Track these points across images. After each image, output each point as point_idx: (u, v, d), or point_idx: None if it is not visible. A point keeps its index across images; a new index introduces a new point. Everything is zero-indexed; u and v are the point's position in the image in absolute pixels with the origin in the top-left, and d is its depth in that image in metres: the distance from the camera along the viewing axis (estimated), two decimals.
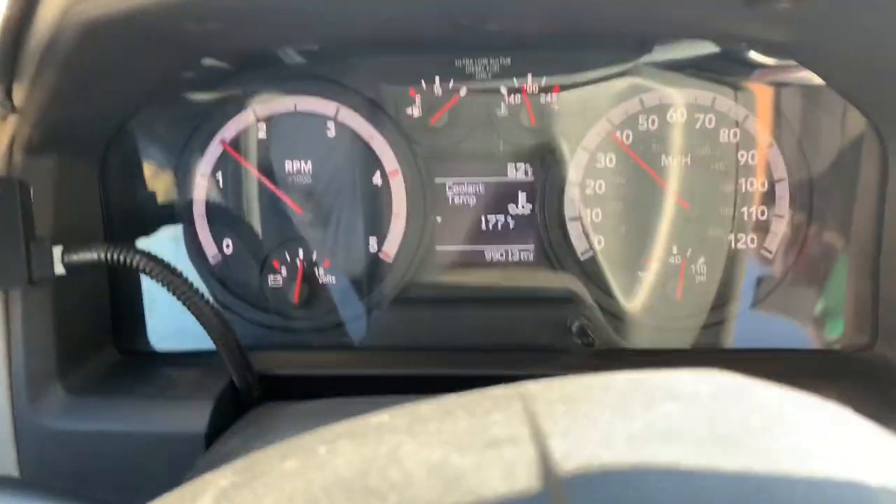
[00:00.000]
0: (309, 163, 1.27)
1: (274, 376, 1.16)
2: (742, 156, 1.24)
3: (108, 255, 0.99)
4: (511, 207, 1.28)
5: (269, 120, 1.26)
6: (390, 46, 1.24)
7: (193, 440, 1.02)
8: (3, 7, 0.83)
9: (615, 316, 1.27)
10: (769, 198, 1.24)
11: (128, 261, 0.98)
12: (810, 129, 1.22)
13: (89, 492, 1.04)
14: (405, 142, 1.26)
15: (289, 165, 1.27)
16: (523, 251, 1.29)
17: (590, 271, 1.27)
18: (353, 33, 1.16)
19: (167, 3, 0.83)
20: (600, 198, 1.26)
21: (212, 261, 1.29)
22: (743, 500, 0.30)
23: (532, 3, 0.99)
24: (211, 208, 1.28)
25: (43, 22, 0.84)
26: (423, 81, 1.25)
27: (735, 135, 1.24)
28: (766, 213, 1.25)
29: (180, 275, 1.00)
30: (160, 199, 1.28)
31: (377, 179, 1.27)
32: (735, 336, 1.26)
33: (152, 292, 1.27)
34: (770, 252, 1.25)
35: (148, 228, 1.28)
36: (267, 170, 1.27)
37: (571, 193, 1.26)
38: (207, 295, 1.02)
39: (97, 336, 1.20)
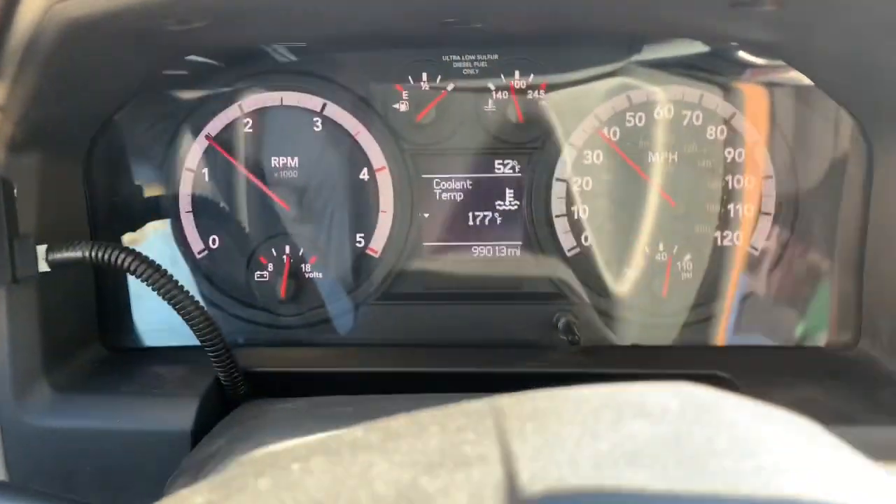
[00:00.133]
0: (296, 158, 1.26)
1: (260, 373, 1.17)
2: (729, 153, 1.24)
3: (93, 254, 0.99)
4: (498, 203, 1.28)
5: (256, 115, 1.26)
6: (377, 42, 1.23)
7: (180, 437, 1.02)
8: None
9: (601, 312, 1.27)
10: (756, 195, 1.24)
11: (112, 259, 0.98)
12: (798, 127, 1.22)
13: (76, 490, 1.04)
14: (392, 138, 1.26)
15: (275, 161, 1.26)
16: (510, 247, 1.29)
17: (576, 268, 1.27)
18: (339, 31, 1.15)
19: (149, 3, 0.82)
20: (587, 194, 1.26)
21: (198, 256, 1.28)
22: None
23: (518, 3, 0.99)
24: (197, 203, 1.27)
25: (24, 21, 0.83)
26: (410, 77, 1.25)
27: (722, 132, 1.24)
28: (752, 211, 1.25)
29: (165, 273, 1.00)
30: (146, 194, 1.27)
31: (364, 175, 1.27)
32: (720, 333, 1.27)
33: (138, 288, 1.26)
34: (756, 249, 1.25)
35: (134, 224, 1.27)
36: (253, 165, 1.26)
37: (558, 190, 1.26)
38: (193, 291, 1.02)
39: (83, 333, 1.20)
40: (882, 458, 0.93)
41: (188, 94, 1.25)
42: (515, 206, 1.28)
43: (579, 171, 1.26)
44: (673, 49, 1.22)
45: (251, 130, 1.26)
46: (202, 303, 1.02)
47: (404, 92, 1.25)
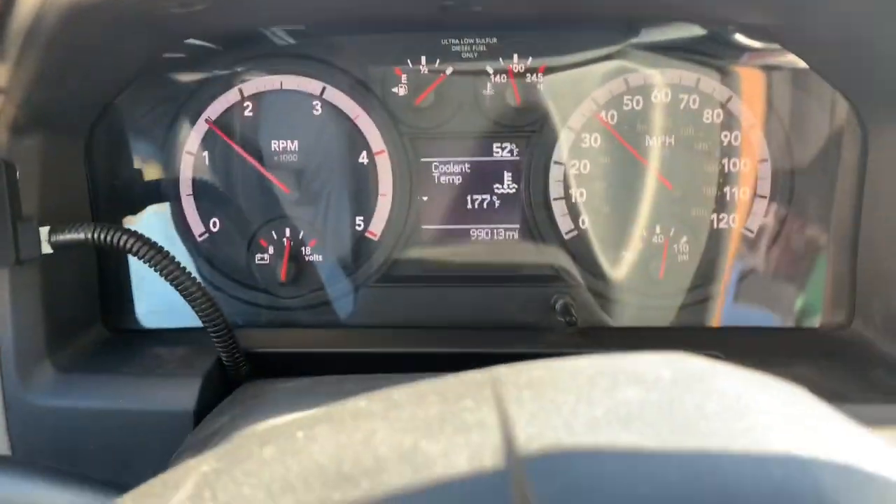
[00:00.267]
0: (295, 142, 1.27)
1: (261, 354, 1.18)
2: (725, 136, 1.25)
3: (95, 235, 1.00)
4: (496, 187, 1.29)
5: (255, 98, 1.26)
6: (376, 26, 1.24)
7: (182, 417, 1.04)
8: None
9: (599, 294, 1.29)
10: (751, 178, 1.25)
11: (114, 240, 0.99)
12: (794, 111, 1.23)
13: (80, 468, 1.06)
14: (391, 121, 1.27)
15: (275, 144, 1.27)
16: (508, 230, 1.30)
17: (574, 250, 1.29)
18: (338, 14, 1.16)
19: None
20: (585, 177, 1.27)
21: (199, 239, 1.29)
22: (694, 479, 0.32)
23: None
24: (198, 186, 1.28)
25: (26, 4, 0.84)
26: (409, 61, 1.25)
27: (719, 115, 1.25)
28: (747, 194, 1.26)
29: (167, 254, 1.01)
30: (147, 177, 1.28)
31: (363, 158, 1.28)
32: (716, 314, 1.28)
33: (140, 270, 1.27)
34: (752, 232, 1.27)
35: (135, 207, 1.28)
36: (253, 148, 1.27)
37: (556, 173, 1.27)
38: (195, 273, 1.03)
39: (85, 314, 1.22)
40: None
41: (188, 78, 1.26)
42: (513, 190, 1.29)
43: (577, 154, 1.27)
44: (670, 32, 1.22)
45: (251, 114, 1.27)
46: (203, 285, 1.03)
47: (403, 75, 1.26)
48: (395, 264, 1.30)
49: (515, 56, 1.25)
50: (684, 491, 0.30)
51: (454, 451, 0.36)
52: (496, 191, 1.29)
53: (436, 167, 1.29)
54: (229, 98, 1.26)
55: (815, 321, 1.26)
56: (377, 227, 1.29)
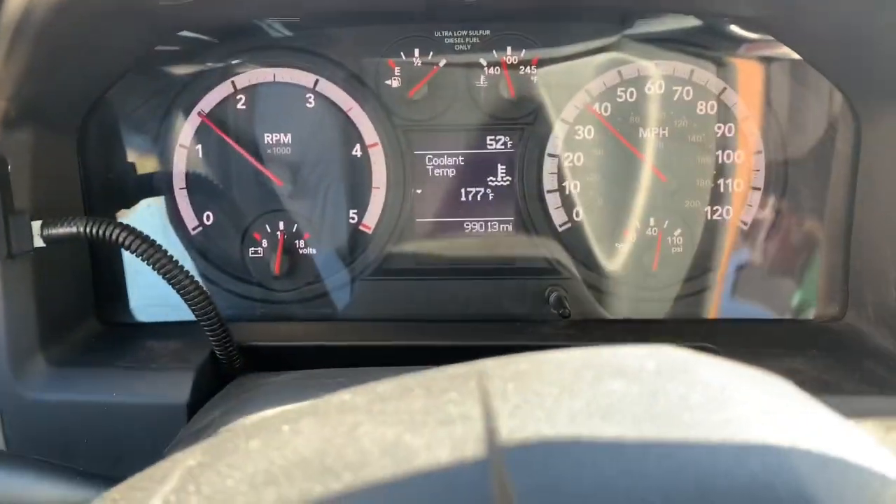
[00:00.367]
0: (289, 134, 1.27)
1: (255, 347, 1.18)
2: (719, 128, 1.25)
3: (87, 229, 0.99)
4: (490, 179, 1.29)
5: (249, 91, 1.26)
6: (369, 18, 1.23)
7: (175, 411, 1.04)
8: None
9: (593, 287, 1.29)
10: (745, 170, 1.25)
11: (106, 234, 0.99)
12: (788, 102, 1.23)
13: (73, 462, 1.06)
14: (385, 113, 1.26)
15: (268, 137, 1.27)
16: (502, 222, 1.30)
17: (568, 243, 1.29)
18: (332, 5, 1.15)
19: None
20: (579, 170, 1.27)
21: (192, 232, 1.29)
22: (673, 470, 0.32)
23: None
24: (191, 179, 1.28)
25: None
26: (402, 53, 1.25)
27: (713, 107, 1.24)
28: (742, 186, 1.26)
29: (160, 248, 1.01)
30: (140, 170, 1.28)
31: (357, 151, 1.28)
32: (710, 307, 1.28)
33: (134, 264, 1.27)
34: (746, 224, 1.27)
35: (128, 200, 1.28)
36: (247, 141, 1.27)
37: (550, 165, 1.27)
38: (188, 266, 1.03)
39: (79, 308, 1.21)
40: (865, 427, 0.95)
41: (181, 71, 1.26)
42: (507, 182, 1.29)
43: (571, 146, 1.27)
44: (665, 24, 1.22)
45: (244, 107, 1.26)
46: (196, 278, 1.03)
47: (396, 68, 1.25)
48: (389, 257, 1.30)
49: (509, 48, 1.24)
50: (662, 483, 0.31)
51: (437, 443, 0.36)
52: (490, 183, 1.29)
53: (429, 160, 1.28)
54: (222, 91, 1.25)
55: (809, 313, 1.26)
56: (371, 220, 1.29)
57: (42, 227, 1.02)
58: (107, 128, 1.24)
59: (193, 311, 1.04)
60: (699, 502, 0.30)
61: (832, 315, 1.24)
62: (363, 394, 0.45)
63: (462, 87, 1.26)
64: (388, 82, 1.26)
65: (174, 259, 1.01)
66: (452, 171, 1.29)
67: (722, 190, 1.26)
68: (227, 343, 1.10)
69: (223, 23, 1.21)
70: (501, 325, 1.25)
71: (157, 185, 1.28)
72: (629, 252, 1.28)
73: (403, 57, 1.25)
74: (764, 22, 1.14)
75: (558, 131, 1.26)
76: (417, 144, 1.28)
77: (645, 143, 1.25)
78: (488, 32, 1.24)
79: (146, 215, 1.28)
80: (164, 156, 1.27)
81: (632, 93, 1.25)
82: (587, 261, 1.29)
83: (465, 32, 1.24)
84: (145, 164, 1.28)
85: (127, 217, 1.28)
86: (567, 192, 1.28)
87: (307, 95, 1.26)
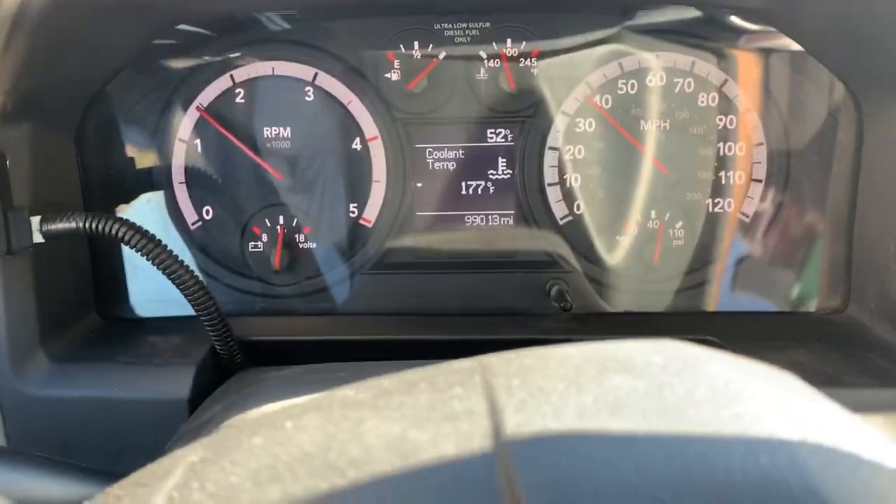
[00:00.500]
0: (288, 128, 1.26)
1: (255, 342, 1.18)
2: (720, 120, 1.24)
3: (87, 224, 0.99)
4: (491, 173, 1.28)
5: (248, 85, 1.25)
6: (368, 10, 1.23)
7: (176, 406, 1.03)
8: None
9: (594, 280, 1.28)
10: (747, 162, 1.25)
11: (106, 229, 0.99)
12: (790, 94, 1.22)
13: (75, 457, 1.05)
14: (384, 106, 1.26)
15: (268, 131, 1.26)
16: (503, 216, 1.29)
17: (569, 236, 1.28)
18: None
19: None
20: (579, 163, 1.27)
21: (192, 227, 1.29)
22: (682, 466, 0.32)
23: None
24: (190, 174, 1.28)
25: None
26: (401, 46, 1.24)
27: (714, 99, 1.24)
28: (743, 178, 1.26)
29: (159, 243, 1.01)
30: (139, 165, 1.27)
31: (357, 145, 1.27)
32: (712, 299, 1.28)
33: (133, 259, 1.26)
34: (747, 216, 1.26)
35: (127, 195, 1.27)
36: (246, 135, 1.26)
37: (551, 158, 1.27)
38: (188, 261, 1.03)
39: (79, 303, 1.21)
40: (866, 418, 0.95)
41: (179, 65, 1.25)
42: (508, 175, 1.28)
43: (571, 139, 1.26)
44: (666, 14, 1.21)
45: (243, 101, 1.26)
46: (196, 273, 1.03)
47: (396, 61, 1.25)
48: (390, 251, 1.30)
49: (509, 40, 1.24)
50: (672, 478, 0.30)
51: (442, 439, 0.35)
52: (490, 176, 1.29)
53: (430, 153, 1.28)
54: (221, 84, 1.25)
55: (811, 305, 1.26)
56: (371, 213, 1.29)
57: (41, 222, 1.01)
58: (105, 122, 1.24)
59: (193, 306, 1.04)
60: (708, 498, 0.30)
61: (834, 307, 1.23)
62: (367, 389, 0.44)
63: (462, 79, 1.25)
64: (388, 75, 1.25)
65: (174, 254, 1.01)
66: (453, 165, 1.28)
67: (723, 182, 1.26)
68: (228, 338, 1.09)
69: (221, 16, 1.20)
70: (502, 318, 1.25)
71: (156, 179, 1.28)
72: (630, 245, 1.28)
73: (403, 49, 1.24)
74: (765, 13, 1.13)
75: (559, 124, 1.26)
76: (417, 137, 1.27)
77: (646, 135, 1.25)
78: (488, 24, 1.23)
79: (145, 210, 1.28)
80: (163, 150, 1.27)
81: (633, 85, 1.24)
82: (588, 254, 1.28)
83: (464, 24, 1.23)
84: (144, 159, 1.27)
85: (126, 212, 1.27)
86: (568, 185, 1.27)
87: (306, 89, 1.25)
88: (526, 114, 1.26)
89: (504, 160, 1.28)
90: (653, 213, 1.27)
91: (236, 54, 1.24)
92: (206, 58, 1.24)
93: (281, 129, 1.26)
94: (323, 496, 0.34)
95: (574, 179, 1.27)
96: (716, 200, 1.26)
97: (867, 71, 1.11)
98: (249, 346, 1.15)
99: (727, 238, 1.27)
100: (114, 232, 0.99)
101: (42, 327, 1.08)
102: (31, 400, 1.05)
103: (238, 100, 1.25)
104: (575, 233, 1.28)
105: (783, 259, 1.27)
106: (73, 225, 1.00)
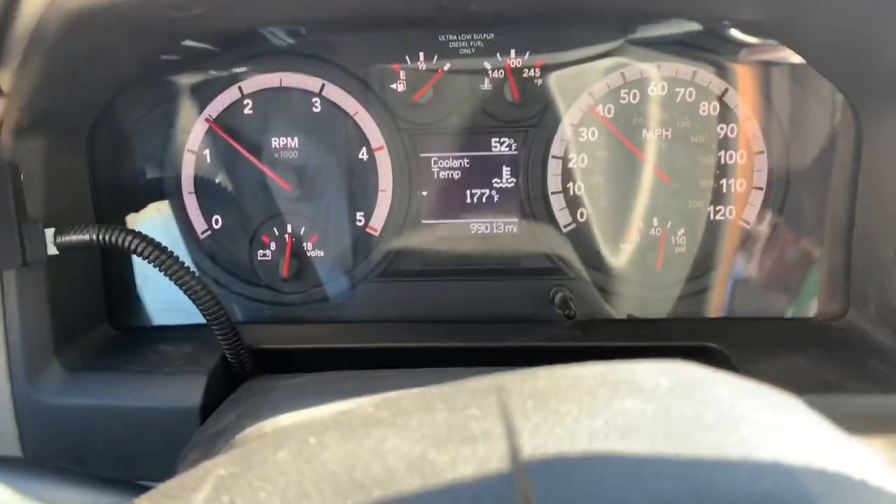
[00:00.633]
0: (296, 139, 1.28)
1: (265, 350, 1.19)
2: (721, 129, 1.26)
3: (100, 237, 1.01)
4: (495, 181, 1.30)
5: (256, 96, 1.27)
6: (374, 24, 1.25)
7: (188, 413, 1.05)
8: None
9: (597, 287, 1.30)
10: (748, 170, 1.27)
11: (118, 241, 1.01)
12: (789, 104, 1.24)
13: (88, 465, 1.08)
14: (390, 117, 1.28)
15: (275, 141, 1.28)
16: (507, 224, 1.31)
17: (572, 243, 1.30)
18: (336, 14, 1.16)
19: None
20: (583, 171, 1.29)
21: (201, 236, 1.31)
22: (690, 489, 0.33)
23: None
24: (199, 184, 1.29)
25: (28, 12, 0.85)
26: (407, 57, 1.26)
27: (715, 108, 1.26)
28: (744, 186, 1.27)
29: (171, 254, 1.02)
30: (148, 175, 1.29)
31: (363, 154, 1.29)
32: (714, 305, 1.30)
33: (145, 268, 1.27)
34: (748, 223, 1.28)
35: (138, 206, 1.29)
36: (254, 146, 1.28)
37: (554, 167, 1.29)
38: (197, 270, 1.04)
39: (91, 312, 1.23)
40: (866, 424, 0.97)
41: (188, 77, 1.27)
42: (512, 184, 1.30)
43: (575, 148, 1.28)
44: (668, 28, 1.23)
45: (251, 112, 1.27)
46: (206, 281, 1.04)
47: (401, 72, 1.27)
48: (396, 259, 1.32)
49: (513, 52, 1.25)
50: (679, 502, 0.32)
51: (461, 461, 0.37)
52: (495, 185, 1.31)
53: (435, 162, 1.30)
54: (229, 96, 1.27)
55: (811, 311, 1.28)
56: (378, 222, 1.31)
57: (55, 234, 1.03)
58: (116, 134, 1.26)
59: (204, 315, 1.06)
60: None
61: (834, 313, 1.25)
62: (387, 406, 0.46)
63: (466, 90, 1.27)
64: (394, 86, 1.27)
65: (185, 265, 1.03)
66: (457, 174, 1.30)
67: (724, 190, 1.28)
68: (238, 346, 1.11)
69: (228, 32, 1.22)
70: (507, 325, 1.27)
71: (166, 189, 1.30)
72: (633, 252, 1.30)
73: (408, 61, 1.26)
74: (766, 26, 1.15)
75: (562, 133, 1.27)
76: (423, 147, 1.29)
77: (648, 144, 1.27)
78: (492, 36, 1.25)
79: (156, 220, 1.30)
80: (173, 161, 1.29)
81: (635, 94, 1.26)
82: (592, 261, 1.30)
83: (469, 36, 1.25)
84: (154, 170, 1.29)
85: (136, 222, 1.29)
86: (571, 194, 1.29)
87: (313, 100, 1.27)
88: (530, 123, 1.28)
89: (508, 169, 1.30)
90: (655, 221, 1.29)
91: (244, 67, 1.26)
92: (213, 72, 1.27)
93: (289, 139, 1.28)
94: None
95: (577, 188, 1.29)
96: (717, 208, 1.28)
97: (866, 81, 1.13)
98: (259, 354, 1.17)
99: (728, 245, 1.29)
100: (126, 244, 1.01)
101: (56, 337, 1.09)
102: (45, 408, 1.06)
103: (246, 111, 1.27)
104: (578, 240, 1.30)
105: (784, 265, 1.28)
106: (86, 237, 1.02)
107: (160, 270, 1.02)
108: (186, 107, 1.27)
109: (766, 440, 0.36)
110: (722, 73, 1.25)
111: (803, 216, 1.26)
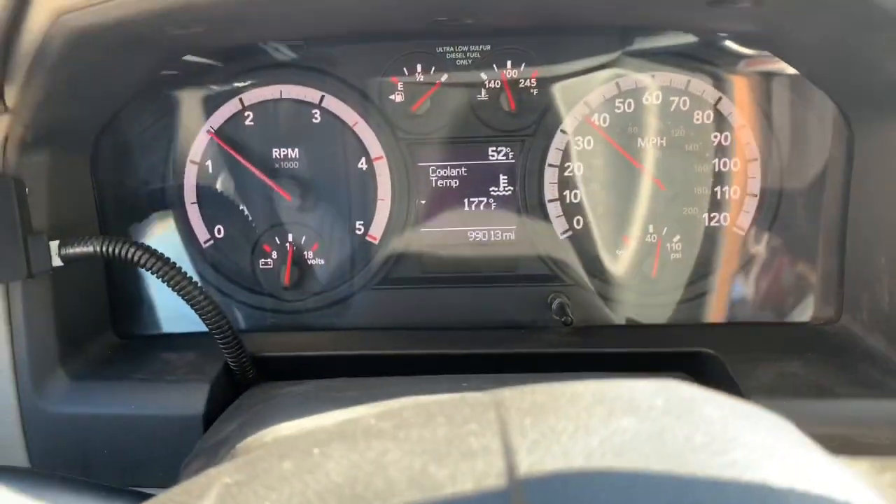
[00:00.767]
0: (296, 149, 1.30)
1: (267, 357, 1.21)
2: (716, 137, 1.28)
3: (103, 248, 1.03)
4: (492, 189, 1.32)
5: (256, 108, 1.29)
6: (372, 37, 1.26)
7: (191, 421, 1.07)
8: None
9: (594, 293, 1.32)
10: (742, 178, 1.29)
11: (121, 252, 1.02)
12: (782, 112, 1.26)
13: (94, 473, 1.09)
14: (389, 128, 1.30)
15: (276, 152, 1.30)
16: (505, 231, 1.33)
17: (569, 250, 1.32)
18: (335, 29, 1.18)
19: (152, 13, 0.85)
20: (579, 179, 1.30)
21: (204, 245, 1.33)
22: None
23: (504, 1, 1.02)
24: (202, 195, 1.31)
25: (31, 31, 0.87)
26: (405, 69, 1.28)
27: (709, 116, 1.28)
28: (738, 192, 1.29)
29: (173, 265, 1.04)
30: (151, 186, 1.31)
31: (362, 164, 1.31)
32: (709, 311, 1.32)
33: (148, 277, 1.31)
34: (742, 229, 1.30)
35: (141, 216, 1.31)
36: (255, 157, 1.30)
37: (550, 175, 1.30)
38: (200, 279, 1.06)
39: (96, 322, 1.25)
40: (858, 429, 0.98)
41: (190, 91, 1.29)
42: (509, 192, 1.32)
43: (570, 157, 1.30)
44: (664, 40, 1.25)
45: (252, 123, 1.29)
46: (209, 290, 1.05)
47: (399, 83, 1.28)
48: (395, 266, 1.34)
49: (509, 62, 1.27)
50: None
51: (460, 476, 0.39)
52: (492, 193, 1.32)
53: (433, 171, 1.32)
54: (230, 108, 1.29)
55: (806, 316, 1.29)
56: (377, 230, 1.32)
57: (60, 246, 1.05)
58: (119, 147, 1.27)
59: (207, 325, 1.08)
60: None
61: (828, 318, 1.27)
62: (388, 418, 0.47)
63: (463, 101, 1.29)
64: (392, 97, 1.29)
65: (187, 275, 1.05)
66: (455, 182, 1.32)
67: (719, 197, 1.29)
68: (241, 354, 1.13)
69: (229, 47, 1.24)
70: (505, 332, 1.29)
71: (168, 200, 1.31)
72: (629, 259, 1.31)
73: (406, 73, 1.28)
74: (760, 38, 1.17)
75: (558, 142, 1.29)
76: (421, 157, 1.31)
77: (643, 152, 1.28)
78: (489, 47, 1.27)
79: (159, 230, 1.31)
80: (175, 172, 1.31)
81: (629, 103, 1.28)
82: (588, 268, 1.32)
83: (465, 48, 1.27)
84: (157, 181, 1.31)
85: (140, 232, 1.31)
86: (568, 202, 1.31)
87: (313, 111, 1.29)
88: (526, 133, 1.30)
89: (505, 177, 1.32)
90: (651, 228, 1.30)
91: (244, 80, 1.28)
92: (214, 87, 1.29)
93: (289, 150, 1.30)
94: None
95: (574, 196, 1.31)
96: (712, 214, 1.30)
97: (857, 91, 1.14)
98: (261, 362, 1.19)
99: (723, 251, 1.31)
100: (129, 255, 1.02)
101: (61, 346, 1.11)
102: (51, 417, 1.08)
103: (247, 122, 1.29)
104: (575, 247, 1.32)
105: (779, 271, 1.30)
106: (90, 249, 1.04)
107: (163, 281, 1.04)
108: (188, 119, 1.29)
109: (754, 463, 0.37)
110: (716, 82, 1.26)
111: (797, 223, 1.28)
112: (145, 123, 1.28)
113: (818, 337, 1.23)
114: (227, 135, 1.29)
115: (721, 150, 1.28)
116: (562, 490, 0.36)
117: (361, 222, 1.32)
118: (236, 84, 1.28)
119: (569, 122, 1.29)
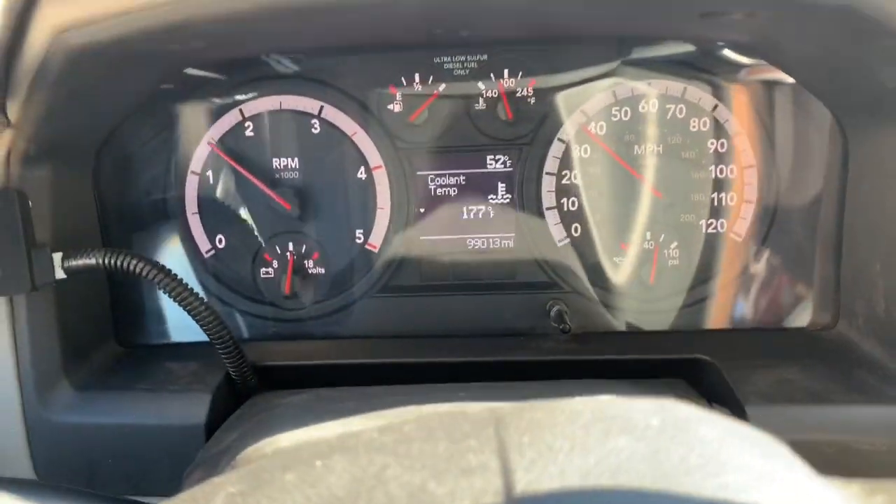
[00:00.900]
0: (296, 159, 1.31)
1: (268, 366, 1.22)
2: (712, 144, 1.29)
3: (106, 260, 1.04)
4: (491, 198, 1.33)
5: (256, 119, 1.30)
6: (371, 48, 1.27)
7: (194, 431, 1.07)
8: None
9: (592, 300, 1.33)
10: (739, 184, 1.30)
11: (123, 264, 1.03)
12: (778, 119, 1.27)
13: (97, 482, 1.10)
14: (387, 137, 1.31)
15: (276, 162, 1.31)
16: (503, 239, 1.34)
17: (567, 258, 1.33)
18: (335, 42, 1.19)
19: (151, 30, 0.87)
20: (576, 187, 1.31)
21: (205, 255, 1.34)
22: None
23: (500, 15, 1.03)
24: (203, 205, 1.32)
25: (33, 47, 0.88)
26: (403, 79, 1.29)
27: (705, 124, 1.29)
28: (735, 199, 1.30)
29: (175, 276, 1.05)
30: (153, 197, 1.32)
31: (362, 174, 1.32)
32: (707, 317, 1.33)
33: (150, 287, 1.32)
34: (739, 236, 1.31)
35: (143, 227, 1.32)
36: (256, 167, 1.31)
37: (548, 183, 1.31)
38: (201, 289, 1.06)
39: (99, 332, 1.25)
40: (854, 434, 0.99)
41: (190, 103, 1.30)
42: (507, 200, 1.33)
43: (568, 165, 1.31)
44: (662, 49, 1.26)
45: (252, 134, 1.30)
46: (210, 300, 1.06)
47: (398, 93, 1.30)
48: (395, 275, 1.35)
49: (506, 72, 1.28)
50: None
51: (459, 493, 0.40)
52: (490, 201, 1.33)
53: (431, 180, 1.33)
54: (231, 119, 1.30)
55: (803, 322, 1.30)
56: (376, 239, 1.33)
57: (63, 259, 1.06)
58: (120, 159, 1.28)
59: (209, 335, 1.08)
60: None
61: (825, 324, 1.28)
62: (389, 432, 0.48)
63: (461, 110, 1.30)
64: (391, 107, 1.30)
65: (189, 286, 1.05)
66: (454, 191, 1.33)
67: (716, 204, 1.30)
68: (242, 364, 1.14)
69: (229, 60, 1.25)
70: (504, 339, 1.29)
71: (170, 211, 1.32)
72: (627, 266, 1.32)
73: (404, 83, 1.29)
74: (755, 48, 1.18)
75: (555, 151, 1.30)
76: (419, 166, 1.32)
77: (640, 160, 1.30)
78: (486, 57, 1.28)
79: (161, 241, 1.32)
80: (177, 183, 1.32)
81: (626, 112, 1.29)
82: (587, 275, 1.33)
83: (463, 58, 1.28)
84: (158, 192, 1.32)
85: (142, 243, 1.32)
86: (566, 209, 1.32)
87: (313, 122, 1.30)
88: (523, 141, 1.31)
89: (503, 185, 1.33)
90: (648, 235, 1.31)
91: (244, 91, 1.29)
92: (215, 99, 1.30)
93: (289, 160, 1.31)
94: None
95: (572, 203, 1.32)
96: (709, 221, 1.31)
97: (851, 100, 1.15)
98: (262, 371, 1.20)
99: (721, 257, 1.32)
100: (131, 267, 1.03)
101: (65, 357, 1.12)
102: (55, 427, 1.09)
103: (247, 133, 1.30)
104: (573, 255, 1.33)
105: (775, 277, 1.31)
106: (92, 261, 1.05)
107: (165, 292, 1.04)
108: (189, 130, 1.30)
109: (746, 486, 0.38)
110: (713, 90, 1.27)
111: (794, 229, 1.29)
112: (146, 136, 1.29)
113: (815, 343, 1.24)
114: (228, 146, 1.30)
115: (718, 158, 1.29)
116: None
117: (361, 231, 1.33)
118: (237, 96, 1.29)
119: (566, 131, 1.30)
